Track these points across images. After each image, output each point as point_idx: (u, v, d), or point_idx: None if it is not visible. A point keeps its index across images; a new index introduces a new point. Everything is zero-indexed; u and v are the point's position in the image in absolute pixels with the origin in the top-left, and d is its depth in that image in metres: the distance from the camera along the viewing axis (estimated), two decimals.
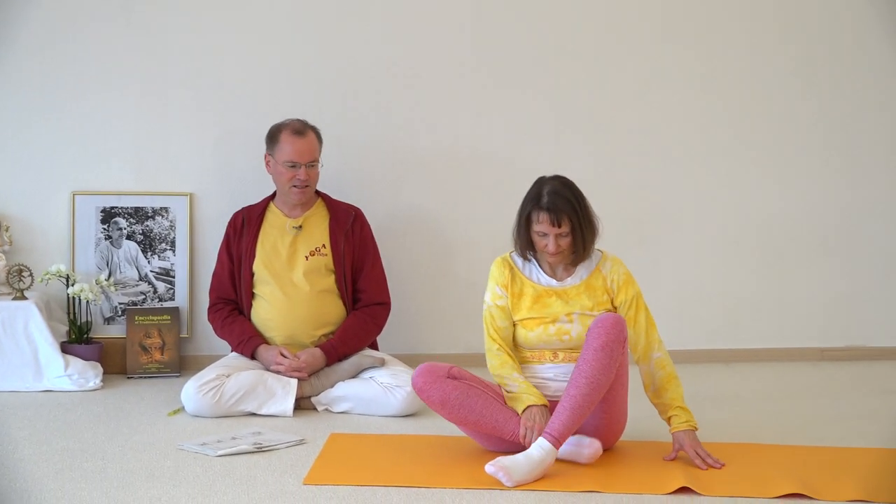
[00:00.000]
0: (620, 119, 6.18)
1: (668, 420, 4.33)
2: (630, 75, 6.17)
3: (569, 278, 4.43)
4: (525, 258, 4.45)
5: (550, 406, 4.30)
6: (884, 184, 6.34)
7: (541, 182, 4.38)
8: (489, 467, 3.99)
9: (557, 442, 4.07)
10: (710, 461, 4.20)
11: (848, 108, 6.29)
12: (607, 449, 4.37)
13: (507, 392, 4.32)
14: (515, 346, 4.45)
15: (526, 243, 4.40)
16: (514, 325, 4.43)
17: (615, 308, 4.42)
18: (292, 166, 5.22)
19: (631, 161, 6.19)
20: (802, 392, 5.57)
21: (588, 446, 4.25)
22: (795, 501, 3.85)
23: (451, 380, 4.27)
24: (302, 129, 5.27)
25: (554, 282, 4.43)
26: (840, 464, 4.27)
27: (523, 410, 4.24)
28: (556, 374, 4.38)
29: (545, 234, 4.32)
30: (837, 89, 6.28)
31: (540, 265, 4.46)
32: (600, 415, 4.28)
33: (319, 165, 5.32)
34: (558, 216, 4.28)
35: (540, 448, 4.06)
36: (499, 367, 4.37)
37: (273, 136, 5.29)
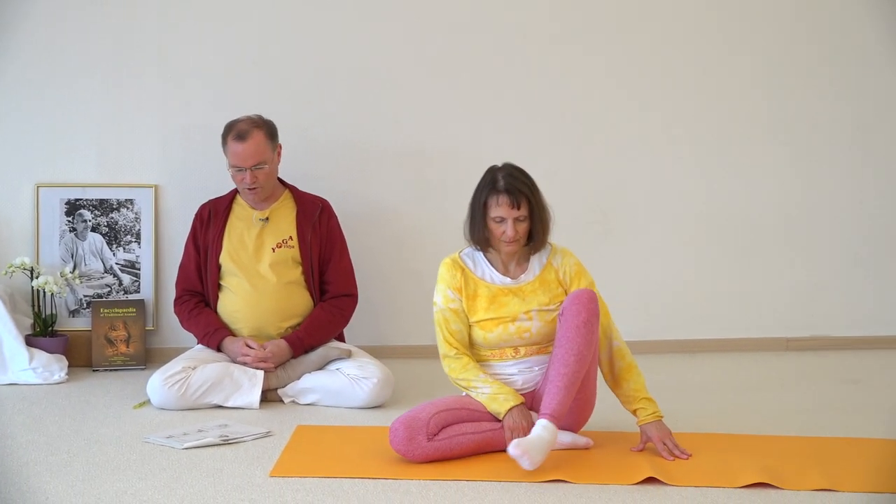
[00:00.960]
0: (586, 113, 6.19)
1: (635, 412, 4.34)
2: (595, 70, 6.18)
3: (522, 275, 4.41)
4: (484, 250, 4.40)
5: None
6: (844, 174, 6.37)
7: (493, 169, 4.37)
8: (513, 450, 3.94)
9: (558, 422, 4.07)
10: (678, 452, 4.22)
11: (807, 101, 6.31)
12: (577, 431, 4.39)
13: (479, 395, 4.29)
14: (473, 347, 4.42)
15: (482, 235, 4.35)
16: (470, 326, 4.39)
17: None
18: (238, 170, 5.20)
19: (596, 154, 6.20)
20: (768, 382, 5.60)
21: (584, 446, 4.32)
22: (761, 491, 3.87)
23: (431, 442, 4.13)
24: (245, 132, 5.17)
25: (508, 280, 4.40)
26: (805, 453, 4.29)
27: (504, 415, 4.23)
28: (519, 369, 4.38)
29: (503, 220, 4.28)
30: (797, 83, 6.30)
31: (492, 263, 4.43)
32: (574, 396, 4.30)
33: (276, 158, 5.25)
34: (517, 198, 4.27)
35: (545, 429, 4.03)
36: (461, 370, 4.32)
37: (223, 138, 5.24)
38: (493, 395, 4.25)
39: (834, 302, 6.40)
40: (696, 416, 4.85)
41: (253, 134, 5.17)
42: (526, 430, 4.15)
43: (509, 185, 4.28)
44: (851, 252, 6.40)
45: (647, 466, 4.03)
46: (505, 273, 4.41)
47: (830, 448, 4.39)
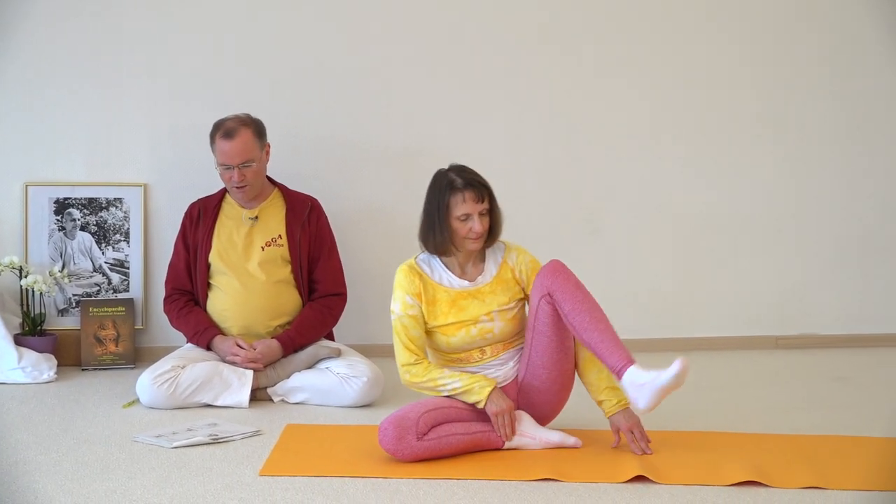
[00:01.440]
0: (575, 112, 6.19)
1: (600, 404, 4.35)
2: (584, 70, 6.18)
3: (479, 276, 4.41)
4: (442, 255, 4.38)
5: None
6: (833, 173, 6.38)
7: (443, 171, 4.38)
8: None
9: (633, 362, 4.15)
10: (643, 444, 4.23)
11: (796, 100, 6.32)
12: (552, 418, 4.45)
13: (452, 391, 4.28)
14: (437, 353, 4.43)
15: (442, 238, 4.33)
16: (432, 332, 4.38)
17: (527, 297, 4.40)
18: (227, 168, 5.19)
19: (584, 153, 6.20)
20: (757, 380, 5.60)
21: (573, 445, 4.32)
22: (750, 489, 3.88)
23: (420, 442, 4.12)
24: (233, 130, 5.17)
25: (466, 283, 4.40)
26: (794, 451, 4.30)
27: (485, 402, 4.24)
28: (494, 367, 4.41)
29: (468, 217, 4.29)
30: (785, 82, 6.31)
31: (449, 267, 4.41)
32: (549, 382, 4.33)
33: (264, 157, 5.25)
34: (480, 191, 4.29)
35: (640, 373, 4.12)
36: (424, 374, 4.30)
37: (211, 137, 5.23)
38: (468, 387, 4.26)
39: (823, 300, 6.41)
40: (686, 415, 4.86)
41: (241, 132, 5.16)
42: (510, 410, 4.20)
43: (469, 180, 4.31)
44: (840, 251, 6.41)
45: (637, 465, 4.04)
46: (462, 276, 4.41)
47: (819, 446, 4.39)
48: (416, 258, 4.45)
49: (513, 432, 4.24)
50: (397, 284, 4.38)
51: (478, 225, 4.29)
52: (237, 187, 5.20)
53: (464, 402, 4.30)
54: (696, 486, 3.91)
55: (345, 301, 5.41)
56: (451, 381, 4.28)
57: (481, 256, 4.44)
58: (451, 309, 4.35)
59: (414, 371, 4.31)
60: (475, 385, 4.26)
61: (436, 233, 4.33)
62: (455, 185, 4.30)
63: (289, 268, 5.28)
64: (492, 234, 4.38)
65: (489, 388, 4.25)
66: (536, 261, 4.45)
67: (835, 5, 6.30)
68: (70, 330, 5.77)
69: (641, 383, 4.09)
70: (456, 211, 4.29)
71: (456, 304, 4.36)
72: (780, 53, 6.29)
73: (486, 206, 4.32)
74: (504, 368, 4.41)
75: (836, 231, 6.40)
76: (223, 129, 5.18)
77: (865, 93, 6.35)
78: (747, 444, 4.41)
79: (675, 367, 4.09)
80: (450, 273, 4.40)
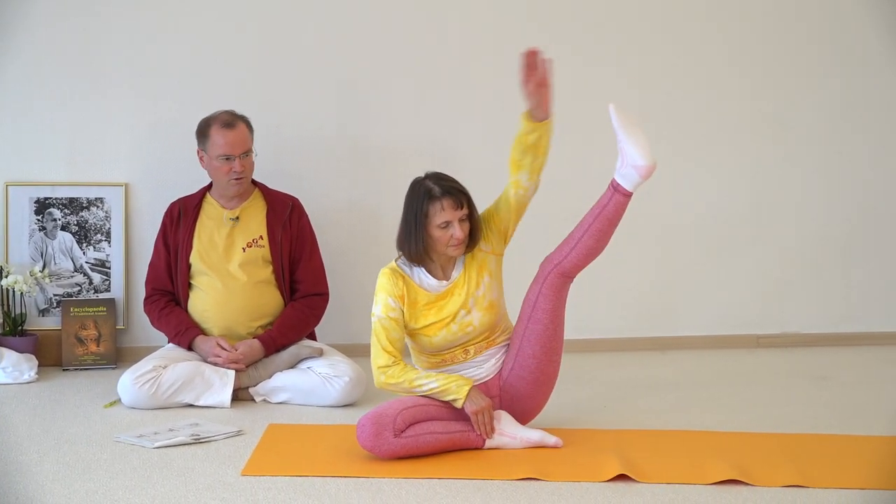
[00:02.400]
0: (559, 111, 6.18)
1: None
2: (569, 69, 6.15)
3: (453, 272, 4.42)
4: (421, 263, 4.38)
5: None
6: (814, 172, 6.39)
7: (419, 180, 4.38)
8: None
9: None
10: (486, 430, 4.24)
11: (779, 99, 6.33)
12: (533, 417, 4.48)
13: (429, 391, 4.27)
14: (422, 355, 4.44)
15: (421, 247, 4.33)
16: (414, 334, 4.39)
17: (504, 231, 4.46)
18: (226, 159, 5.19)
19: (568, 153, 6.19)
20: (738, 379, 5.61)
21: (554, 444, 4.32)
22: (731, 487, 3.88)
23: (398, 439, 4.13)
24: (231, 120, 5.21)
25: (444, 283, 4.40)
26: (775, 449, 4.31)
27: (464, 401, 4.24)
28: (477, 364, 4.42)
29: (448, 224, 4.29)
30: (766, 83, 6.32)
31: (429, 271, 4.41)
32: (536, 374, 4.37)
33: (253, 154, 5.29)
34: (458, 198, 4.30)
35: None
36: (400, 374, 4.28)
37: (202, 132, 5.24)
38: (445, 387, 4.26)
39: (804, 299, 6.43)
40: (667, 414, 4.87)
41: (238, 123, 5.21)
42: (489, 408, 4.20)
43: (447, 188, 4.31)
44: (821, 250, 6.43)
45: (619, 464, 4.04)
46: (442, 277, 4.41)
47: (800, 444, 4.40)
48: (396, 261, 4.45)
49: (492, 430, 4.25)
50: (380, 287, 4.38)
51: (458, 231, 4.30)
52: (237, 178, 5.20)
53: (442, 402, 4.31)
54: (679, 484, 3.91)
55: (327, 301, 5.40)
56: (428, 382, 4.27)
57: (468, 249, 4.44)
58: (430, 310, 4.36)
59: (390, 373, 4.29)
60: (452, 384, 4.26)
61: (412, 241, 4.33)
62: (433, 193, 4.30)
63: (270, 268, 5.28)
64: (472, 238, 4.38)
65: (467, 387, 4.25)
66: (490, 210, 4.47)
67: (817, 9, 6.31)
68: (51, 330, 5.75)
69: (620, 160, 4.46)
70: (436, 220, 4.30)
71: (435, 304, 4.37)
72: (762, 55, 6.30)
73: (465, 211, 4.32)
74: (486, 366, 4.42)
75: (817, 230, 6.42)
76: (221, 121, 5.19)
77: (848, 95, 6.37)
78: (729, 442, 4.42)
79: (610, 111, 4.49)
80: (429, 276, 4.40)
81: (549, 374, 4.41)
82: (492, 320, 4.40)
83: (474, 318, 4.37)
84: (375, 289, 4.40)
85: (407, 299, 4.36)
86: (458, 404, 4.25)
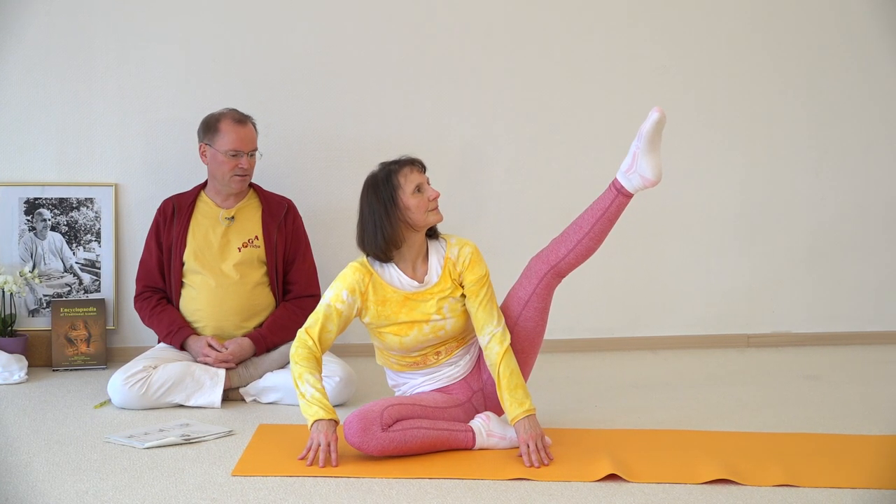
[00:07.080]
0: (547, 108, 6.20)
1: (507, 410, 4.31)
2: (560, 68, 6.18)
3: (426, 276, 4.39)
4: (391, 256, 4.35)
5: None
6: (804, 172, 6.40)
7: (373, 171, 4.40)
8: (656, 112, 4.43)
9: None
10: (541, 456, 4.14)
11: (766, 99, 6.34)
12: None
13: (300, 393, 4.20)
14: (392, 354, 4.42)
15: (398, 232, 4.29)
16: (382, 333, 4.36)
17: (462, 287, 4.38)
18: (234, 155, 5.18)
19: (557, 151, 6.21)
20: (729, 378, 5.62)
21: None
22: (722, 487, 3.89)
23: (385, 433, 4.12)
24: (242, 118, 5.24)
25: (416, 283, 4.37)
26: (766, 449, 4.32)
27: (311, 424, 4.14)
28: (441, 371, 4.44)
29: (420, 186, 4.31)
30: (755, 81, 6.32)
31: (401, 267, 4.38)
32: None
33: (258, 155, 5.29)
34: (418, 163, 4.35)
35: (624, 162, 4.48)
36: (304, 359, 4.23)
37: (211, 126, 5.23)
38: (310, 401, 4.16)
39: (794, 299, 6.44)
40: (658, 413, 4.88)
41: (248, 121, 5.27)
42: (326, 446, 4.07)
43: (403, 159, 4.37)
44: (812, 249, 6.44)
45: (609, 463, 4.04)
46: (413, 276, 4.39)
47: (791, 444, 4.41)
48: (366, 257, 4.41)
49: (326, 464, 4.07)
50: (341, 277, 4.35)
51: (432, 191, 4.32)
52: (241, 175, 5.20)
53: (429, 401, 4.33)
54: (669, 484, 3.92)
55: (318, 302, 5.39)
56: (308, 387, 4.19)
57: (425, 256, 4.42)
58: (401, 309, 4.34)
59: (300, 351, 4.24)
60: (315, 406, 4.14)
61: (383, 230, 4.28)
62: (394, 166, 4.34)
63: (264, 269, 5.28)
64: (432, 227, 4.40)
65: (320, 417, 4.12)
66: (478, 254, 4.42)
67: (801, 7, 6.32)
68: (41, 330, 5.74)
69: (630, 163, 4.46)
70: (408, 187, 4.29)
71: (407, 303, 4.34)
72: (750, 53, 6.31)
73: (427, 176, 4.37)
74: (461, 363, 4.45)
75: (807, 229, 6.42)
76: (232, 117, 5.21)
77: (836, 93, 6.38)
78: (720, 442, 4.43)
79: (653, 114, 4.48)
80: (401, 273, 4.38)
81: (529, 367, 4.46)
82: (463, 325, 4.42)
83: (447, 324, 4.37)
84: (337, 276, 4.38)
85: (373, 297, 4.33)
86: (308, 421, 4.17)
